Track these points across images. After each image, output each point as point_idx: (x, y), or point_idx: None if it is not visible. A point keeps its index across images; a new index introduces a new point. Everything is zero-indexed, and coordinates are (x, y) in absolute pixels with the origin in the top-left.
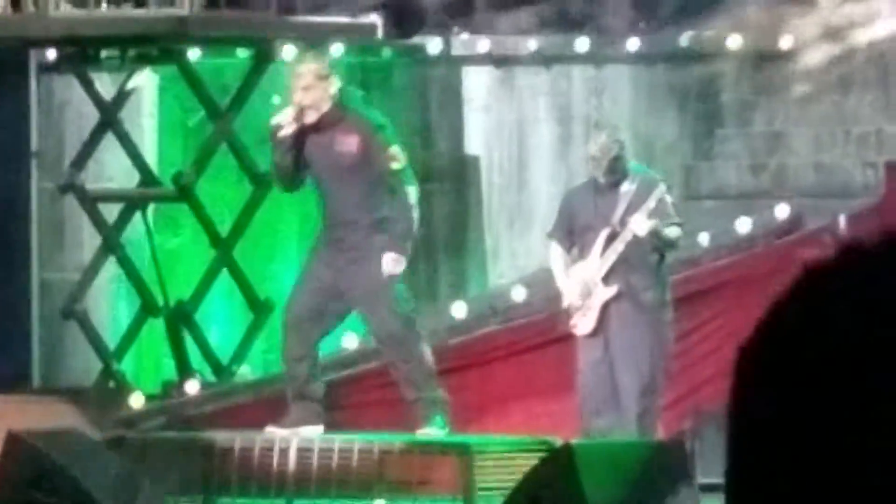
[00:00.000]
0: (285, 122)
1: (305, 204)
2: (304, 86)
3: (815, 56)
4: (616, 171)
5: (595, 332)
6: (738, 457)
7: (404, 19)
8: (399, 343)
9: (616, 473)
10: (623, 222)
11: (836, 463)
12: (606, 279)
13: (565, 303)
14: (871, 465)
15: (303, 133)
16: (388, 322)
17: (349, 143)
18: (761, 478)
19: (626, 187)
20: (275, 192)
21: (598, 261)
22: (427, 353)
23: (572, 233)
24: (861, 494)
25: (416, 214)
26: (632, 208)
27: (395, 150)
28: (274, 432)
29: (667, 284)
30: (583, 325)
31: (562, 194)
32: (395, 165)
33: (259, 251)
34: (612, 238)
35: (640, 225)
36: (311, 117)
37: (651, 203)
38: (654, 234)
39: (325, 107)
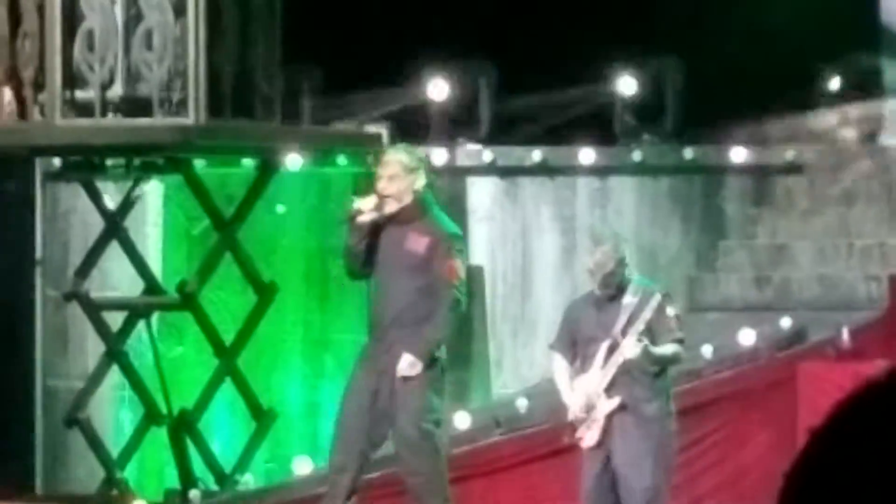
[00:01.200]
0: (366, 208)
1: (309, 313)
2: (389, 174)
3: (819, 169)
4: (610, 285)
5: (599, 445)
6: None
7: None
8: (413, 453)
9: None
10: (624, 333)
11: None
12: (609, 391)
13: (570, 416)
14: None
15: (379, 226)
16: (407, 429)
17: (420, 244)
18: None
19: (628, 299)
20: (278, 301)
21: (599, 373)
22: (442, 471)
23: (575, 344)
24: None
25: (447, 331)
26: (633, 320)
27: (457, 263)
28: None
29: (670, 395)
30: (588, 437)
31: (565, 304)
32: (452, 279)
33: (262, 360)
34: (612, 349)
35: (630, 349)
36: (390, 207)
37: (647, 314)
38: (646, 356)
39: (407, 199)
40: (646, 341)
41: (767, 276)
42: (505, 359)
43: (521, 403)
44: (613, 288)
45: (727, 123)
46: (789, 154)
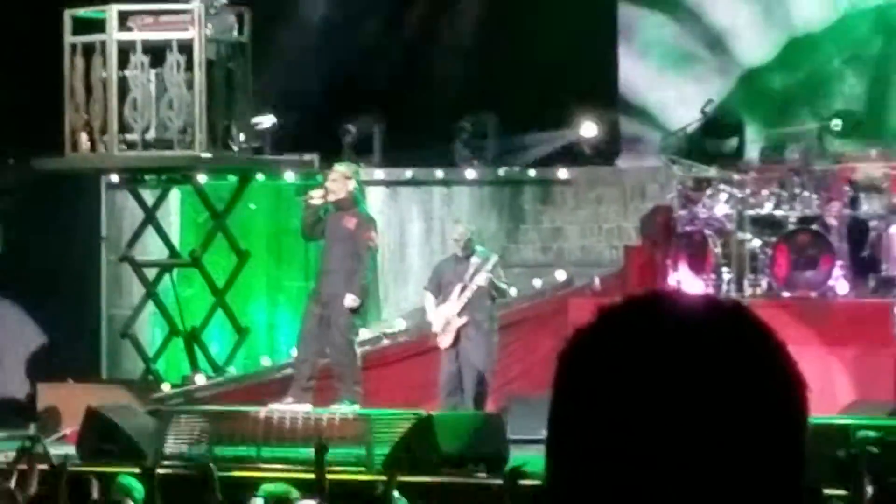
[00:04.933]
0: (316, 195)
1: (269, 269)
2: (332, 178)
3: (581, 182)
4: (467, 248)
5: (451, 346)
6: (554, 429)
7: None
8: (339, 353)
9: (459, 433)
10: (472, 280)
11: (610, 437)
12: (460, 314)
13: (434, 328)
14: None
15: (327, 210)
16: (337, 338)
17: (350, 222)
18: (567, 441)
19: (475, 260)
20: (251, 262)
21: (455, 303)
22: (356, 364)
23: (440, 286)
24: (622, 455)
25: (368, 274)
26: (476, 272)
27: (374, 234)
28: (271, 407)
29: (495, 318)
30: (444, 341)
31: (427, 265)
32: (370, 243)
33: (241, 298)
34: (463, 290)
35: (482, 279)
36: (331, 197)
37: (489, 265)
38: (491, 284)
39: (342, 195)
40: (492, 276)
41: (550, 246)
42: (389, 296)
43: (400, 323)
44: (470, 250)
45: (525, 153)
46: (563, 173)
